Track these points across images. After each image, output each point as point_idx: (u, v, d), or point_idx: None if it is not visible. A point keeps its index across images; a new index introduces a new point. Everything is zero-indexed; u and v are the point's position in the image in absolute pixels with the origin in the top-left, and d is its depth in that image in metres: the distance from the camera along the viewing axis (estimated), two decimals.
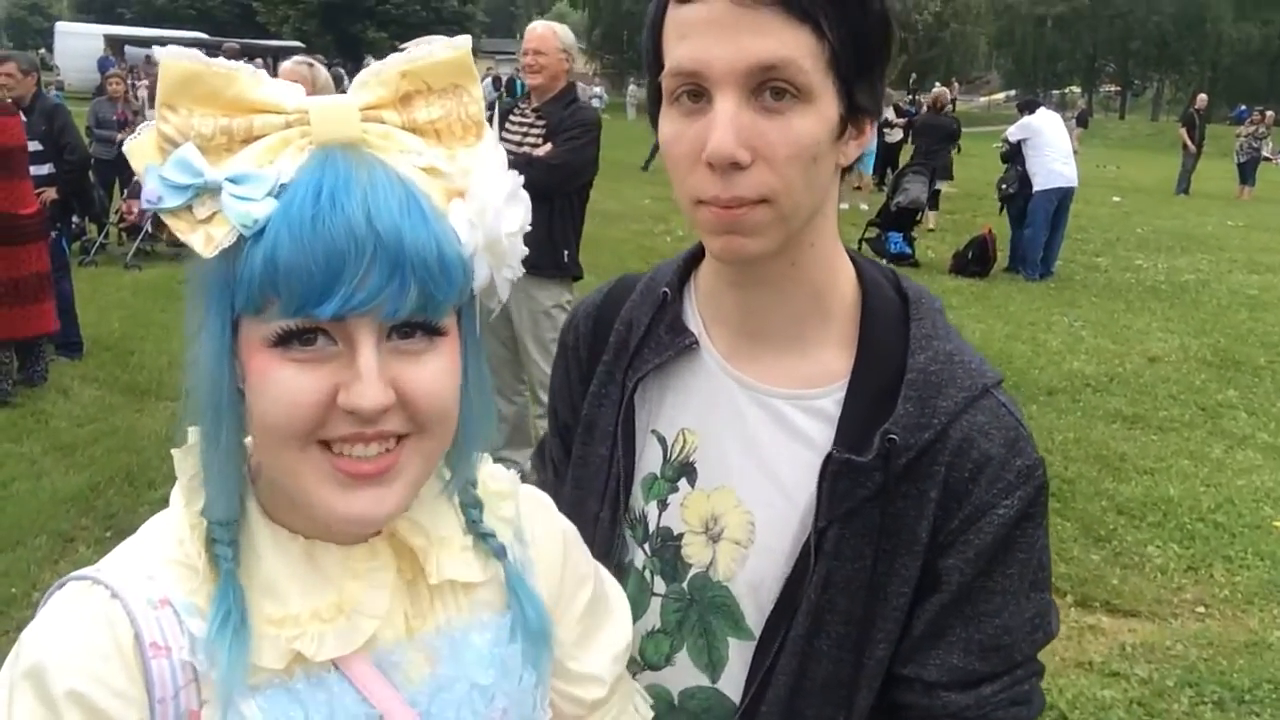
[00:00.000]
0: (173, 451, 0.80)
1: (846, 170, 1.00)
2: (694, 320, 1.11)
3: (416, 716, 0.80)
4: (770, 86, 0.88)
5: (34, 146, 5.98)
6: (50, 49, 38.63)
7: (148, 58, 25.00)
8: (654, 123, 0.98)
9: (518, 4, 77.85)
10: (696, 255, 1.13)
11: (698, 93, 0.91)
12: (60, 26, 40.57)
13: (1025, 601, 1.00)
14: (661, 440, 1.11)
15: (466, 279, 0.76)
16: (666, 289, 1.12)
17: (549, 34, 4.34)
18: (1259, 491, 5.31)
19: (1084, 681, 3.55)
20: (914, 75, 36.90)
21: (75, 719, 0.70)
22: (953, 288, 10.20)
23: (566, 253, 4.38)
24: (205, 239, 0.69)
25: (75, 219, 8.50)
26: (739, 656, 1.06)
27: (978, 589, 0.98)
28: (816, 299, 1.03)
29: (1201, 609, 4.12)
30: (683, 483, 1.09)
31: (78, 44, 34.68)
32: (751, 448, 1.05)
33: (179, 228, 0.70)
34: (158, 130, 0.70)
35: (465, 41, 0.77)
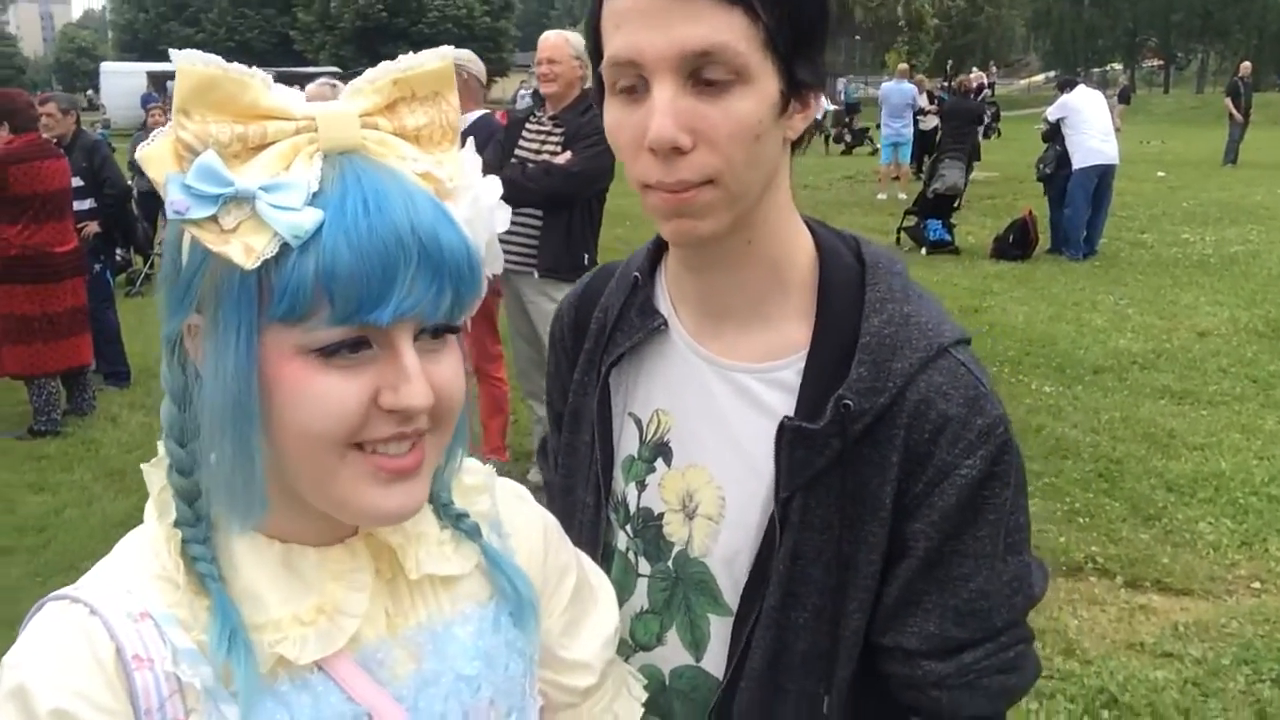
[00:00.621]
0: (142, 466, 0.80)
1: (797, 143, 0.99)
2: (664, 302, 1.11)
3: (404, 712, 0.80)
4: (707, 70, 0.88)
5: (75, 183, 6.13)
6: (97, 89, 39.64)
7: None
8: (601, 112, 0.98)
9: (550, 18, 78.41)
10: None
11: (636, 81, 0.91)
12: (105, 67, 41.66)
13: (1001, 565, 0.98)
14: (638, 422, 1.12)
15: (483, 280, 0.77)
16: (638, 273, 1.13)
17: (561, 42, 4.31)
18: None
19: (1135, 663, 3.46)
20: (950, 62, 36.57)
21: None
22: (994, 272, 10.04)
23: (585, 255, 4.37)
24: (245, 250, 0.67)
25: (120, 252, 8.67)
26: (719, 633, 1.06)
27: (949, 553, 0.97)
28: (775, 273, 1.03)
29: (1257, 584, 4.00)
30: (659, 463, 1.10)
31: (122, 82, 35.48)
32: (720, 423, 1.05)
33: (205, 239, 0.68)
34: (176, 137, 0.69)
35: (451, 51, 0.79)
